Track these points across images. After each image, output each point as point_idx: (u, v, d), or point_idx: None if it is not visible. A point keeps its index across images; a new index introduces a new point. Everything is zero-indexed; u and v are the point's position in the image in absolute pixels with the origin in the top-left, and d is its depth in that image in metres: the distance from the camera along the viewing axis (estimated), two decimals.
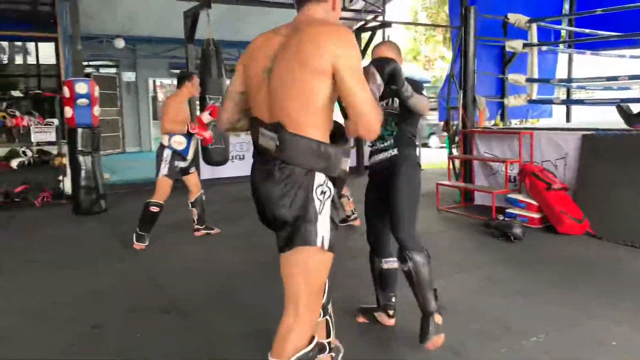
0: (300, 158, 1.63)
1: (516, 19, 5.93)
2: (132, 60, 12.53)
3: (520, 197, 5.14)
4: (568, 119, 10.56)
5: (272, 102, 1.68)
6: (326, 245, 1.66)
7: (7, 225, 5.72)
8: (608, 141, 4.80)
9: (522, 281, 3.57)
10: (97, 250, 4.58)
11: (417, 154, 2.72)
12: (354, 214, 5.21)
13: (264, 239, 4.56)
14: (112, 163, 10.71)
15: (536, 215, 4.96)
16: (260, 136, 1.71)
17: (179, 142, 4.56)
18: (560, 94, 12.25)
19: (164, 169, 4.55)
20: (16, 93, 7.08)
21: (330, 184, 1.69)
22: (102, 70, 12.75)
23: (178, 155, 4.58)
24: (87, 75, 12.24)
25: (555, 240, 4.57)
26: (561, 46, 10.26)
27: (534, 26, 5.85)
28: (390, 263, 2.80)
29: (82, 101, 6.03)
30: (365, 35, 9.17)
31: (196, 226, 5.02)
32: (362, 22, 9.55)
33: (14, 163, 6.88)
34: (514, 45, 5.96)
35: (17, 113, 6.98)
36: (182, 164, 4.66)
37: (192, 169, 4.87)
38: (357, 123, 1.63)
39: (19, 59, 13.54)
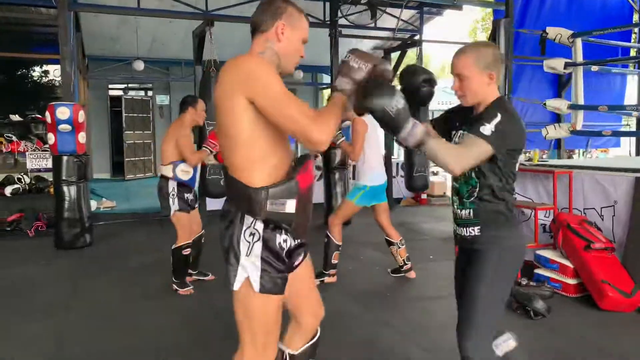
0: (233, 200, 1.68)
1: (557, 33, 4.88)
2: (166, 83, 12.32)
3: (552, 255, 4.04)
4: (638, 152, 9.13)
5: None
6: (256, 288, 1.63)
7: None
8: None
9: None
10: (40, 300, 3.96)
11: (511, 229, 1.97)
12: (406, 263, 4.36)
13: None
14: (138, 188, 10.40)
15: (571, 282, 3.84)
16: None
17: (185, 170, 3.92)
18: (630, 121, 10.74)
19: (175, 204, 3.92)
20: (15, 117, 6.79)
21: (259, 226, 1.64)
22: (135, 93, 12.64)
23: (185, 187, 3.95)
24: (117, 98, 12.22)
25: (593, 320, 3.46)
26: (631, 67, 8.93)
27: (579, 42, 4.78)
28: (502, 346, 2.07)
29: (64, 127, 5.57)
30: (395, 55, 8.31)
31: (189, 271, 4.31)
32: (399, 42, 8.69)
33: (8, 190, 6.55)
34: (554, 64, 4.91)
35: (14, 138, 6.70)
36: (190, 196, 4.02)
37: (196, 204, 4.20)
38: (298, 140, 1.60)
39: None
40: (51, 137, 5.65)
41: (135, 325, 3.43)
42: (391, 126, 1.69)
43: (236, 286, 1.64)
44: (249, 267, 1.63)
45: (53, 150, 5.72)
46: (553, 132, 5.04)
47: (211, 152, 3.94)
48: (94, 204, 7.63)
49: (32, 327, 3.39)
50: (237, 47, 12.24)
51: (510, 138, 1.85)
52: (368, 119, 3.93)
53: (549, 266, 4.03)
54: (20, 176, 6.70)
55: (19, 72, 11.76)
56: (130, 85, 13.27)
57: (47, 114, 5.61)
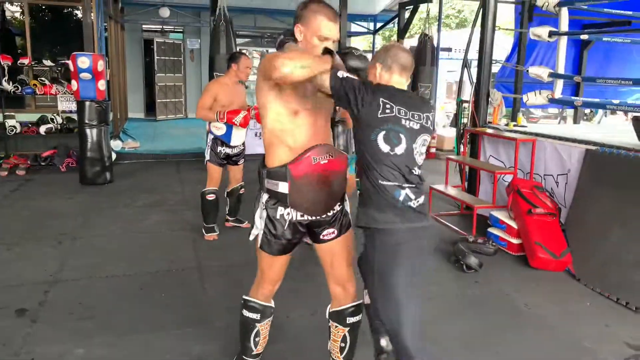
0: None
1: (544, 1, 4.96)
2: (197, 27, 12.72)
3: (502, 216, 4.39)
4: None
5: None
6: (259, 243, 2.16)
7: (15, 191, 6.09)
8: (612, 162, 3.89)
9: None
10: (56, 228, 4.65)
11: (374, 205, 1.96)
12: None
13: None
14: (165, 129, 11.10)
15: (515, 241, 4.20)
16: None
17: (217, 127, 4.27)
18: None
19: (207, 154, 4.41)
20: (47, 62, 7.43)
21: (264, 197, 2.11)
22: (167, 37, 13.11)
23: (220, 140, 4.32)
24: (151, 41, 12.72)
25: (521, 277, 3.85)
26: None
27: (564, 10, 4.85)
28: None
29: (85, 75, 6.15)
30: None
31: (227, 217, 4.82)
32: None
33: (43, 129, 7.31)
34: (539, 32, 5.01)
35: (47, 81, 7.37)
36: (227, 150, 4.36)
37: (241, 161, 4.57)
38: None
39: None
40: (74, 84, 6.26)
41: (125, 255, 4.08)
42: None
43: (251, 238, 2.17)
44: (258, 227, 2.13)
45: (76, 96, 6.35)
46: (533, 98, 5.20)
47: (217, 119, 4.15)
48: (119, 144, 8.37)
49: (43, 251, 4.11)
50: None
51: (349, 89, 1.87)
52: None
53: (498, 226, 4.40)
54: (53, 116, 7.42)
55: (57, 18, 12.47)
56: (165, 28, 13.74)
57: (70, 62, 6.20)
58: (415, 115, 1.95)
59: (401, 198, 1.92)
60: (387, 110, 1.89)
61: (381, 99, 1.89)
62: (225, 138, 4.31)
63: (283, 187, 2.03)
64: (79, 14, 12.47)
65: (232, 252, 4.14)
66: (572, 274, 3.84)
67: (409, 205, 1.93)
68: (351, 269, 2.23)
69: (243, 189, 4.71)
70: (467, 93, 5.83)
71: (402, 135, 1.91)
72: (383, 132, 1.89)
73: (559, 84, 4.98)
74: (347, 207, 2.25)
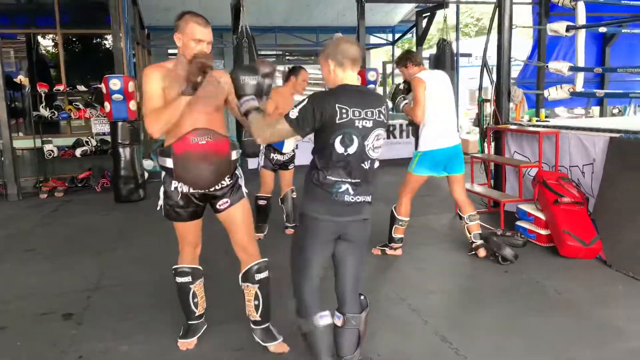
0: None
1: None
2: (220, 49, 13.08)
3: (529, 208, 4.39)
4: None
5: None
6: (163, 213, 2.58)
7: (54, 211, 6.36)
8: (636, 147, 3.88)
9: (457, 314, 3.06)
10: (93, 242, 4.86)
11: (308, 200, 2.18)
12: (474, 241, 4.06)
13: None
14: None
15: (543, 232, 4.21)
16: None
17: None
18: None
19: (261, 160, 4.66)
20: (81, 87, 7.78)
21: (163, 174, 2.50)
22: None
23: (273, 148, 4.55)
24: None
25: (551, 266, 3.84)
26: None
27: (581, 4, 4.89)
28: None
29: (117, 97, 6.43)
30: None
31: (286, 224, 4.95)
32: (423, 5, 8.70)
33: (78, 152, 7.62)
34: (556, 28, 5.05)
35: (81, 106, 7.71)
36: (279, 157, 4.61)
37: (291, 166, 4.79)
38: None
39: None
40: (107, 106, 6.54)
41: (158, 263, 4.21)
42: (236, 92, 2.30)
43: (158, 208, 2.59)
44: (160, 199, 2.55)
45: (109, 117, 6.63)
46: (554, 93, 5.22)
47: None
48: (151, 163, 8.62)
49: (83, 262, 4.29)
50: (279, 15, 12.46)
51: (308, 121, 2.06)
52: (430, 75, 3.77)
53: (526, 218, 4.40)
54: (87, 139, 7.74)
55: (89, 45, 13.03)
56: None
57: (102, 85, 6.49)
58: (369, 112, 2.09)
59: (340, 191, 2.10)
60: (344, 115, 2.04)
61: (337, 105, 2.04)
62: (278, 146, 4.54)
63: (169, 163, 2.38)
64: (107, 43, 12.99)
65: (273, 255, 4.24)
66: (603, 260, 3.83)
67: (344, 199, 2.11)
68: (251, 234, 2.61)
69: (294, 193, 4.84)
70: (489, 94, 5.87)
71: (354, 137, 2.06)
72: (340, 136, 2.06)
73: (580, 76, 5.00)
74: (241, 182, 2.59)
